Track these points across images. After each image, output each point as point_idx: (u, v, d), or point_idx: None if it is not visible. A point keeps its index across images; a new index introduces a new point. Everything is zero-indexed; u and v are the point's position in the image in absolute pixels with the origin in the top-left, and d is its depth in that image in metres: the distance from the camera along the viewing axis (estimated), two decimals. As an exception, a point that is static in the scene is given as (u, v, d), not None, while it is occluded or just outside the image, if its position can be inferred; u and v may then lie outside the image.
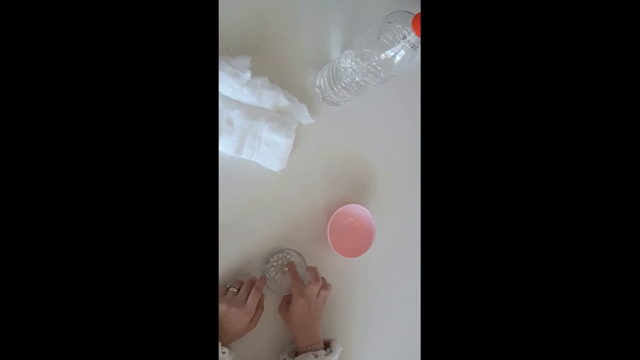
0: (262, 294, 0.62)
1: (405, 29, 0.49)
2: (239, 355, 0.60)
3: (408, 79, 0.69)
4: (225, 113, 0.63)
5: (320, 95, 0.72)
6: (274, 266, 0.67)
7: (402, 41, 0.50)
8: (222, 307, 0.57)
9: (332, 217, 0.67)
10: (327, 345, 0.63)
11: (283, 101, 0.67)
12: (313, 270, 0.65)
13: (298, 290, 0.62)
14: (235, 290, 0.60)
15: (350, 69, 0.61)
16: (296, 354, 0.61)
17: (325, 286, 0.64)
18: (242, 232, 0.66)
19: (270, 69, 0.68)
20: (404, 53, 0.51)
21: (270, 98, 0.66)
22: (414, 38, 0.49)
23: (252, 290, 0.59)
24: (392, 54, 0.52)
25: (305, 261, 0.68)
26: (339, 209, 0.68)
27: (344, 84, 0.64)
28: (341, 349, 0.62)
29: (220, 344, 0.55)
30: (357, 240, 0.71)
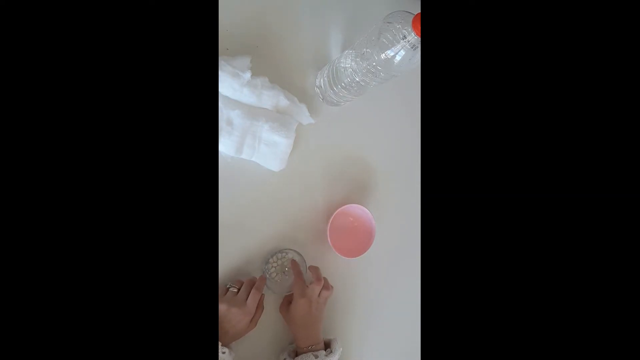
0: (262, 294, 0.62)
1: (405, 29, 0.49)
2: (239, 355, 0.60)
3: (408, 79, 0.69)
4: (225, 113, 0.63)
5: (320, 95, 0.72)
6: (274, 266, 0.67)
7: (402, 41, 0.50)
8: (222, 307, 0.57)
9: (332, 217, 0.67)
10: (327, 345, 0.63)
11: (283, 101, 0.67)
12: (315, 269, 0.65)
13: (299, 290, 0.62)
14: (235, 290, 0.60)
15: (350, 69, 0.61)
16: (296, 354, 0.61)
17: (326, 286, 0.64)
18: (242, 232, 0.66)
19: (270, 69, 0.68)
20: (404, 53, 0.51)
21: (270, 98, 0.66)
22: (414, 38, 0.49)
23: (252, 290, 0.59)
24: (392, 54, 0.52)
25: (305, 261, 0.68)
26: (339, 209, 0.68)
27: (344, 84, 0.64)
28: (341, 349, 0.62)
29: (220, 344, 0.55)
30: (357, 240, 0.71)
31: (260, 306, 0.61)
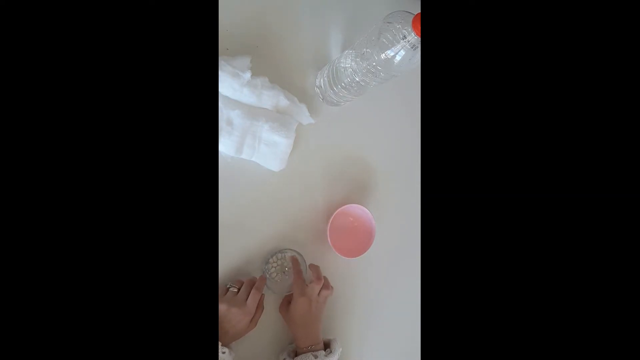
0: (262, 294, 0.62)
1: (405, 29, 0.49)
2: (239, 355, 0.60)
3: (408, 79, 0.69)
4: (225, 113, 0.63)
5: (320, 95, 0.72)
6: (274, 266, 0.67)
7: (402, 41, 0.50)
8: (222, 307, 0.57)
9: (332, 217, 0.67)
10: (326, 345, 0.63)
11: (283, 101, 0.67)
12: (315, 268, 0.65)
13: (299, 289, 0.62)
14: (236, 290, 0.60)
15: (350, 69, 0.61)
16: (296, 354, 0.61)
17: (327, 286, 0.64)
18: (242, 232, 0.66)
19: (270, 69, 0.68)
20: (404, 53, 0.51)
21: (270, 98, 0.66)
22: (414, 38, 0.49)
23: (252, 290, 0.59)
24: (392, 54, 0.52)
25: (305, 261, 0.68)
26: (339, 209, 0.68)
27: (344, 84, 0.64)
28: (341, 349, 0.62)
29: (220, 344, 0.55)
30: (357, 240, 0.71)
31: (260, 306, 0.61)
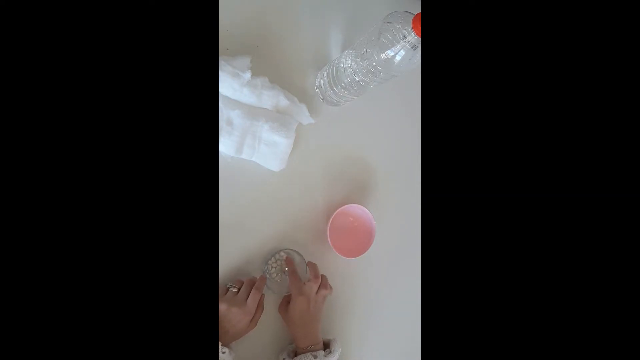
0: (262, 294, 0.61)
1: (405, 29, 0.49)
2: (239, 355, 0.60)
3: (408, 79, 0.69)
4: (225, 113, 0.63)
5: (320, 95, 0.72)
6: (274, 266, 0.67)
7: (402, 41, 0.50)
8: (222, 307, 0.57)
9: (332, 217, 0.67)
10: (326, 345, 0.63)
11: (283, 101, 0.67)
12: (313, 267, 0.65)
13: (297, 288, 0.62)
14: (236, 290, 0.60)
15: (350, 69, 0.61)
16: (295, 354, 0.61)
17: (325, 285, 0.64)
18: (242, 232, 0.66)
19: (270, 69, 0.68)
20: (404, 53, 0.51)
21: (270, 98, 0.66)
22: (414, 38, 0.49)
23: (252, 290, 0.59)
24: (392, 54, 0.52)
25: (305, 261, 0.68)
26: (339, 209, 0.68)
27: (344, 84, 0.64)
28: (340, 349, 0.62)
29: (220, 343, 0.55)
30: (357, 240, 0.71)
31: (260, 306, 0.61)
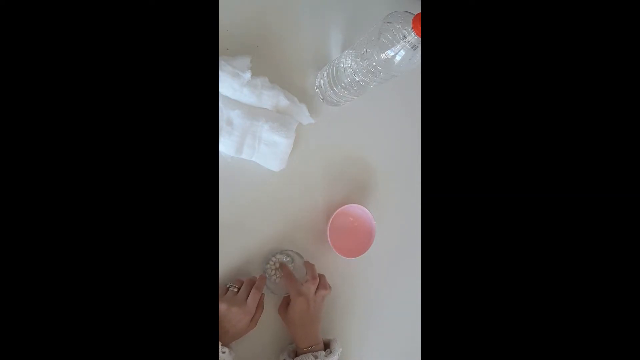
0: (262, 294, 0.61)
1: (405, 29, 0.49)
2: (239, 355, 0.60)
3: (408, 79, 0.69)
4: (225, 113, 0.63)
5: (320, 95, 0.72)
6: (274, 268, 0.67)
7: (402, 41, 0.50)
8: (222, 307, 0.57)
9: (332, 217, 0.67)
10: (326, 345, 0.63)
11: (283, 101, 0.67)
12: (310, 267, 0.65)
13: (295, 290, 0.61)
14: (236, 290, 0.60)
15: (350, 69, 0.61)
16: (296, 355, 0.61)
17: (324, 285, 0.64)
18: (242, 232, 0.66)
19: (270, 69, 0.68)
20: (404, 53, 0.51)
21: (270, 98, 0.66)
22: (414, 38, 0.49)
23: (252, 290, 0.59)
24: (392, 54, 0.52)
25: (303, 259, 0.68)
26: (339, 209, 0.68)
27: (344, 84, 0.64)
28: (341, 349, 0.62)
29: (220, 343, 0.55)
30: (357, 240, 0.71)
31: (260, 306, 0.61)
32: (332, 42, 0.75)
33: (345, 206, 0.68)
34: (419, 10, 0.48)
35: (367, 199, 0.75)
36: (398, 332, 0.76)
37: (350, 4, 0.76)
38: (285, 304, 0.64)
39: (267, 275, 0.65)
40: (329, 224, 0.67)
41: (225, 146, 0.64)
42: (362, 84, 0.61)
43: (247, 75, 0.64)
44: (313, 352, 0.60)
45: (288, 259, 0.68)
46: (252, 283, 0.61)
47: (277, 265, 0.67)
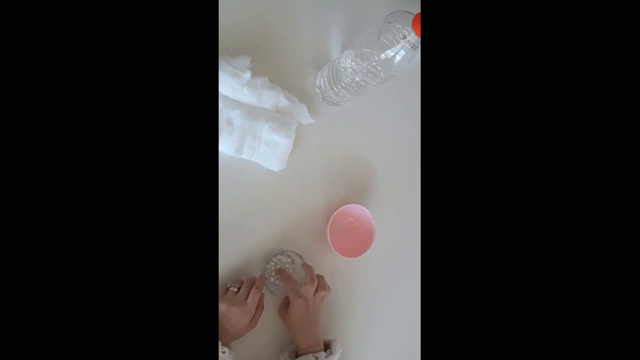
0: (262, 294, 0.61)
1: (405, 29, 0.49)
2: (239, 355, 0.60)
3: (408, 79, 0.69)
4: (225, 113, 0.63)
5: (320, 95, 0.72)
6: (274, 269, 0.67)
7: (402, 41, 0.50)
8: (222, 307, 0.57)
9: (332, 217, 0.67)
10: (327, 346, 0.63)
11: (283, 101, 0.67)
12: (309, 269, 0.65)
13: (294, 293, 0.61)
14: (236, 290, 0.60)
15: (350, 69, 0.61)
16: (296, 355, 0.61)
17: (323, 286, 0.64)
18: (242, 232, 0.66)
19: (270, 69, 0.68)
20: (404, 53, 0.51)
21: (270, 98, 0.66)
22: (414, 38, 0.49)
23: (252, 290, 0.59)
24: (392, 54, 0.52)
25: (303, 260, 0.68)
26: (339, 209, 0.68)
27: (344, 84, 0.64)
28: (341, 350, 0.62)
29: (220, 343, 0.55)
30: (357, 240, 0.71)
31: (260, 306, 0.61)
32: (332, 42, 0.75)
33: (345, 206, 0.68)
34: (419, 10, 0.48)
35: (367, 199, 0.75)
36: (398, 332, 0.76)
37: (350, 4, 0.76)
38: (285, 306, 0.64)
39: (267, 276, 0.65)
40: (329, 224, 0.67)
41: (225, 146, 0.64)
42: (362, 84, 0.61)
43: (247, 75, 0.64)
44: (314, 352, 0.60)
45: (288, 260, 0.68)
46: (252, 283, 0.61)
47: (278, 266, 0.67)
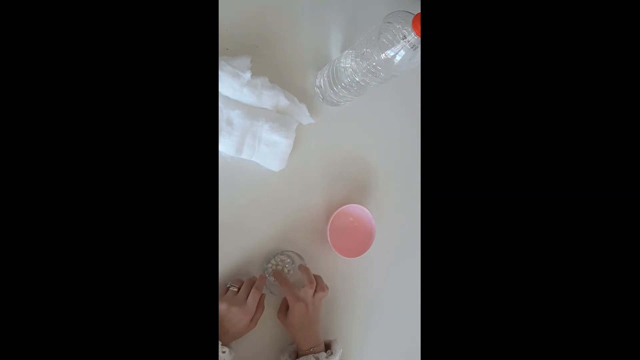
0: (263, 294, 0.61)
1: (405, 29, 0.49)
2: (239, 355, 0.60)
3: (408, 79, 0.69)
4: (225, 113, 0.63)
5: (320, 95, 0.72)
6: (274, 269, 0.67)
7: (402, 41, 0.50)
8: (222, 306, 0.57)
9: (332, 217, 0.67)
10: (327, 346, 0.63)
11: (283, 101, 0.67)
12: (306, 271, 0.64)
13: (293, 296, 0.61)
14: (236, 290, 0.60)
15: (350, 69, 0.61)
16: (297, 356, 0.61)
17: (321, 287, 0.64)
18: (242, 232, 0.66)
19: (270, 69, 0.68)
20: (404, 53, 0.51)
21: (270, 98, 0.66)
22: (414, 38, 0.49)
23: (252, 290, 0.59)
24: (392, 54, 0.52)
25: (303, 260, 0.68)
26: (339, 209, 0.68)
27: (344, 84, 0.64)
28: (342, 350, 0.62)
29: (220, 343, 0.55)
30: (357, 240, 0.71)
31: (260, 306, 0.61)
32: (332, 42, 0.75)
33: (345, 206, 0.68)
34: (419, 10, 0.48)
35: (367, 199, 0.75)
36: (398, 332, 0.76)
37: (350, 4, 0.76)
38: (284, 309, 0.64)
39: (267, 276, 0.65)
40: (329, 224, 0.67)
41: (225, 146, 0.64)
42: (362, 84, 0.61)
43: (247, 75, 0.64)
44: (314, 353, 0.60)
45: (288, 260, 0.68)
46: (252, 283, 0.61)
47: (281, 265, 0.67)
